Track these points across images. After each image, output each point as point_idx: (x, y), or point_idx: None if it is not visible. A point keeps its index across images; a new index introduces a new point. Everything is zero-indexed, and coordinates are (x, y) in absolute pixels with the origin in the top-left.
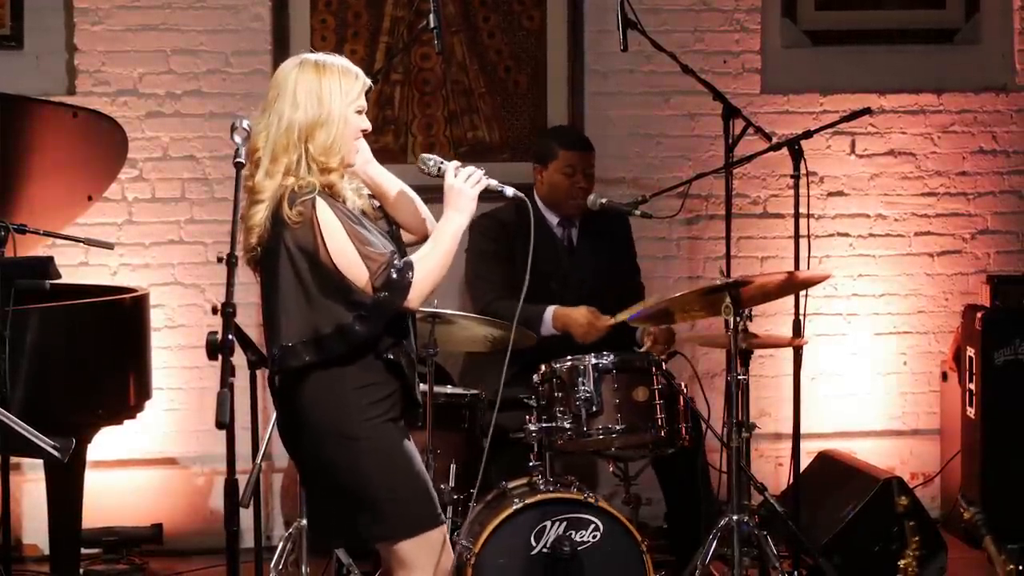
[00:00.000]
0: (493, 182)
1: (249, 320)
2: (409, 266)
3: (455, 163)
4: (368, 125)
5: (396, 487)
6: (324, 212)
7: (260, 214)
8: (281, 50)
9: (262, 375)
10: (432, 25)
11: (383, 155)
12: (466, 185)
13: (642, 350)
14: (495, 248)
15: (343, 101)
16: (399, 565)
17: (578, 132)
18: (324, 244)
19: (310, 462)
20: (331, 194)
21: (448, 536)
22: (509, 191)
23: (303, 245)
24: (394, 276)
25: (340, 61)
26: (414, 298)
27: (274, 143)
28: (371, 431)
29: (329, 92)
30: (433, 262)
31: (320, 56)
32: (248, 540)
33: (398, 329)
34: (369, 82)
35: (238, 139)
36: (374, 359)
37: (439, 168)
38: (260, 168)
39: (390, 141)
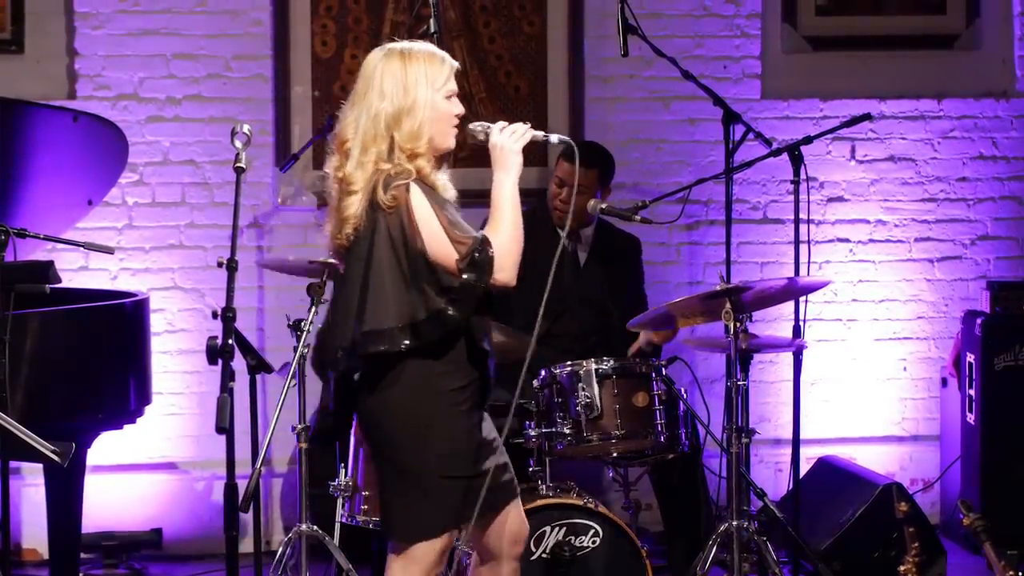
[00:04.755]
0: (539, 133)
1: (249, 325)
2: (487, 242)
3: (500, 123)
4: (461, 109)
5: (451, 482)
6: (417, 197)
7: (355, 205)
8: (282, 55)
9: (262, 380)
10: (432, 30)
11: None
12: (510, 140)
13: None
14: None
15: (429, 87)
16: (401, 552)
17: (588, 146)
18: (417, 229)
19: (382, 447)
20: (421, 179)
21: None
22: (554, 137)
23: (397, 230)
24: (477, 256)
25: (425, 48)
26: (500, 274)
27: (363, 134)
28: (447, 419)
29: (415, 80)
30: (505, 231)
31: (405, 44)
32: (248, 545)
33: (489, 317)
34: (456, 65)
35: (238, 143)
36: (464, 347)
37: (486, 132)
38: (351, 159)
39: None
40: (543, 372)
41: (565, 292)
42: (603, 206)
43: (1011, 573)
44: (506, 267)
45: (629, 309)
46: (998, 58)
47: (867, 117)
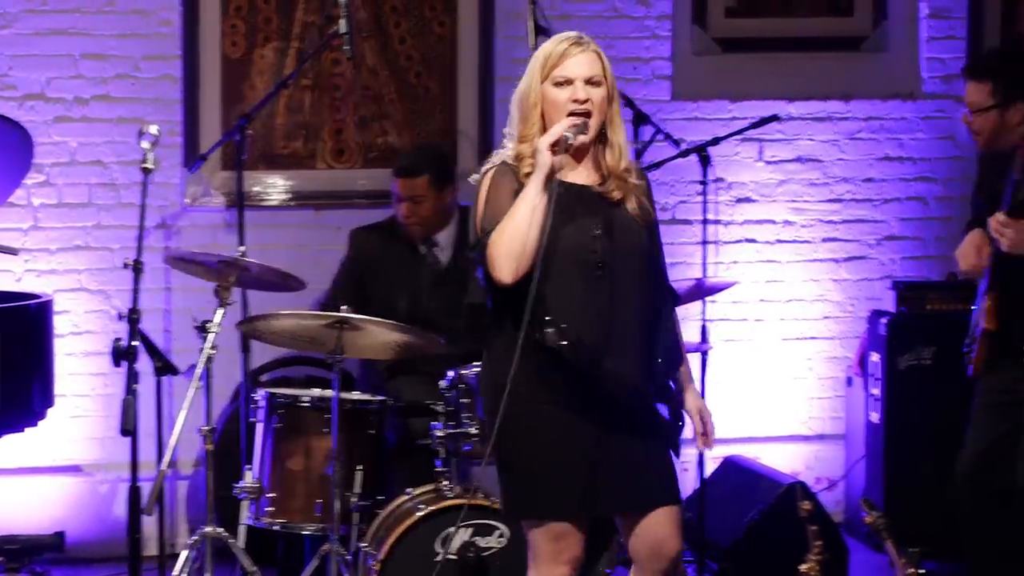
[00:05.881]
0: (568, 134)
1: (156, 326)
2: (488, 234)
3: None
4: (577, 95)
5: (524, 468)
6: (485, 182)
7: None
8: (191, 55)
9: (168, 382)
10: (343, 30)
11: (292, 161)
12: (541, 142)
13: None
14: (347, 261)
15: (539, 72)
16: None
17: (414, 154)
18: (474, 213)
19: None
20: (519, 164)
21: (579, 533)
22: (569, 133)
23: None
24: (476, 249)
25: (562, 34)
26: (493, 270)
27: (509, 119)
28: (518, 407)
29: (531, 66)
30: (504, 225)
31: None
32: (152, 548)
33: (536, 308)
34: (583, 47)
35: (145, 144)
36: (524, 340)
37: None
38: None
39: (300, 147)
40: (451, 373)
41: (422, 306)
42: None
43: (912, 570)
44: (495, 264)
45: None
46: (904, 60)
47: (775, 118)
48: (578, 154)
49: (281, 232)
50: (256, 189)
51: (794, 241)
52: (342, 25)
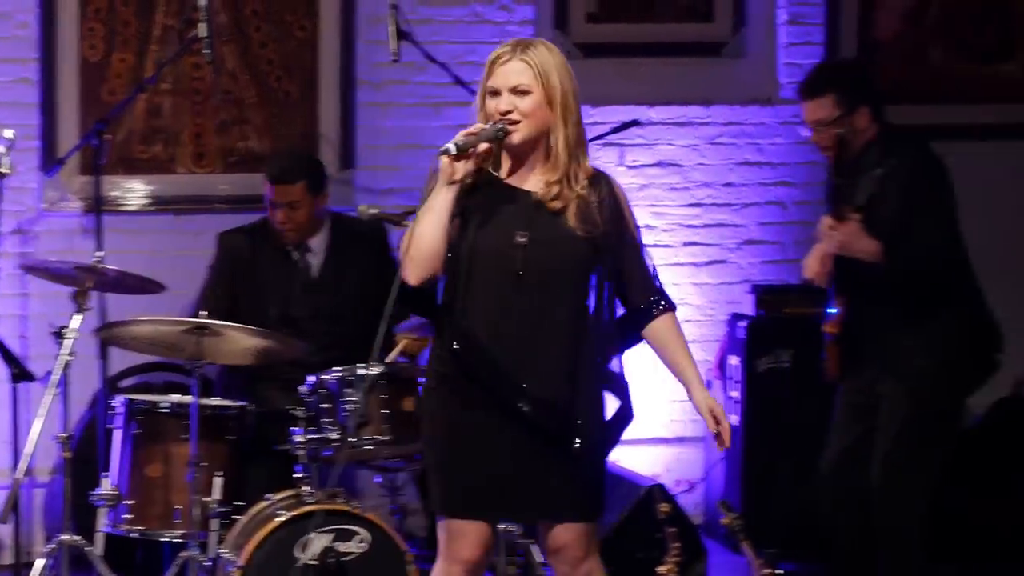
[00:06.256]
0: (449, 145)
1: (12, 332)
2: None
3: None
4: (502, 105)
5: (435, 465)
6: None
7: None
8: (48, 58)
9: (24, 388)
10: (203, 34)
11: (151, 165)
12: (440, 149)
13: (388, 359)
14: (217, 264)
15: (483, 81)
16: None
17: (281, 161)
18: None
19: None
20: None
21: (481, 535)
22: (452, 148)
23: None
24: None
25: (513, 40)
26: (401, 265)
27: None
28: (429, 403)
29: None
30: (414, 228)
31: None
32: (8, 556)
33: (458, 313)
34: (511, 59)
35: (1, 148)
36: (446, 338)
37: None
38: None
39: (159, 151)
40: (312, 378)
41: (293, 313)
42: (374, 211)
43: (768, 571)
44: (403, 265)
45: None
46: (763, 65)
47: (635, 123)
48: (521, 157)
49: (140, 237)
50: (115, 194)
51: (655, 245)
52: (202, 29)
